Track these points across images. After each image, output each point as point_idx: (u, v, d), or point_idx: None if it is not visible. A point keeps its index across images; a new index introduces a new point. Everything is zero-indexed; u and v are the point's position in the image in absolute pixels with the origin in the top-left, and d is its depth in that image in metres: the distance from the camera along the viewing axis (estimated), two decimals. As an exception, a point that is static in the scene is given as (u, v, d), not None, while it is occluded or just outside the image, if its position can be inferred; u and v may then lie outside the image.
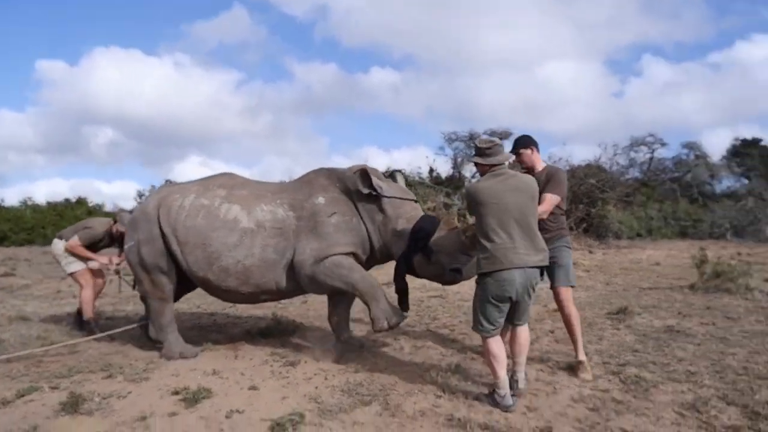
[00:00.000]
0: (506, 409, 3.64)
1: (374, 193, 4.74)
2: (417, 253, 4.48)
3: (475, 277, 3.86)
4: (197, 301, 8.07)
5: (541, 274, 3.85)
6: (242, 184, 5.21)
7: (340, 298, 5.18)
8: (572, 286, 4.48)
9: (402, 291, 4.75)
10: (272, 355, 5.01)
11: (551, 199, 4.32)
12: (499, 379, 3.72)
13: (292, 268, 4.80)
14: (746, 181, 28.87)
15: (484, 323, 3.77)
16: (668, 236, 18.95)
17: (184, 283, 5.20)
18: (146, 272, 5.01)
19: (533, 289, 3.75)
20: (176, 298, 5.41)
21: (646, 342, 5.23)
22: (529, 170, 4.53)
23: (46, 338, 5.83)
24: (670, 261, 12.53)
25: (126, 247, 5.16)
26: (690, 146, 27.99)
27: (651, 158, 27.56)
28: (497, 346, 3.78)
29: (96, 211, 28.66)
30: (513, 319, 3.87)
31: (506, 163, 3.85)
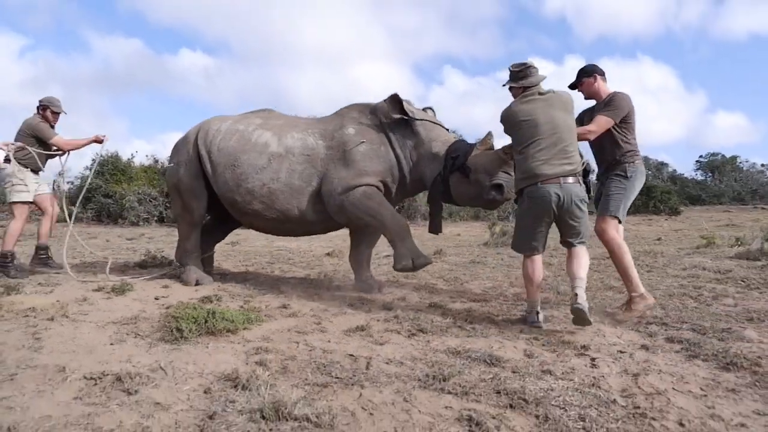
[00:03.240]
0: (535, 326, 3.65)
1: (406, 117, 4.59)
2: (453, 172, 4.29)
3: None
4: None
5: (588, 192, 3.73)
6: (279, 116, 5.42)
7: (363, 237, 5.23)
8: (615, 217, 3.98)
9: (434, 213, 4.67)
10: (166, 273, 5.73)
11: (600, 120, 3.97)
12: (529, 299, 3.77)
13: (318, 198, 4.81)
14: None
15: (520, 240, 3.73)
16: (465, 219, 22.22)
17: (226, 220, 5.52)
18: (180, 194, 5.23)
19: (579, 206, 3.58)
20: (220, 237, 5.78)
21: (458, 267, 7.07)
22: (592, 99, 4.26)
23: None
24: (468, 234, 15.21)
25: (167, 167, 5.34)
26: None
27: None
28: (532, 266, 3.72)
29: None
30: (565, 237, 3.72)
31: (540, 84, 3.75)
